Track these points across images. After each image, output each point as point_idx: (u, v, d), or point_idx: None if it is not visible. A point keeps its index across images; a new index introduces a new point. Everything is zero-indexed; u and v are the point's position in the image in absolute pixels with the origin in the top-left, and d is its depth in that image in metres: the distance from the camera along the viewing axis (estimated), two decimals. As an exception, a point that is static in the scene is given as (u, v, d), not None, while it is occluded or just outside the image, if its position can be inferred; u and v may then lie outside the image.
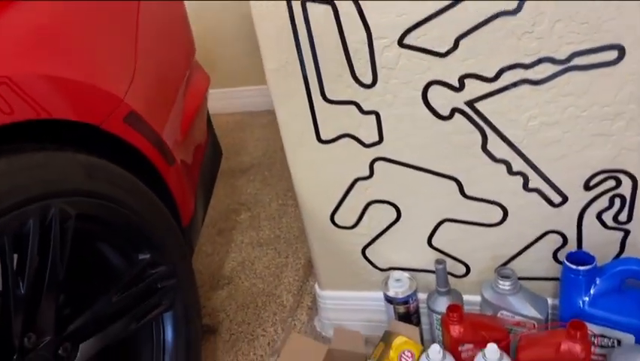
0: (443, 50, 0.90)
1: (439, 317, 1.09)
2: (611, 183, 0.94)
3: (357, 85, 0.97)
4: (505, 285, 1.02)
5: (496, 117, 0.93)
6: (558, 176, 0.96)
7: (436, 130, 0.98)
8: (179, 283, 1.05)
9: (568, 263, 0.96)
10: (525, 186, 0.99)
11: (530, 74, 0.88)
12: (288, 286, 1.55)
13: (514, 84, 0.89)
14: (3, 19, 0.77)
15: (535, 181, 0.98)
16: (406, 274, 1.15)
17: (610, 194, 0.95)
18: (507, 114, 0.93)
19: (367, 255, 1.19)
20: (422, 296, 1.16)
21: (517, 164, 0.97)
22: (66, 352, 0.82)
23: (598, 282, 0.95)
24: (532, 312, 1.01)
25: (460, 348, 1.01)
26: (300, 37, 0.95)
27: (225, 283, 1.63)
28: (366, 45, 0.93)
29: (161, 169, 1.03)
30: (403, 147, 1.02)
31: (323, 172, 1.10)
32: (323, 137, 1.05)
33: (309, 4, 0.92)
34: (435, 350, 0.95)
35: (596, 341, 0.97)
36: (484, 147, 0.97)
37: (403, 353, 1.03)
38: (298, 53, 0.97)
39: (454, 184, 1.03)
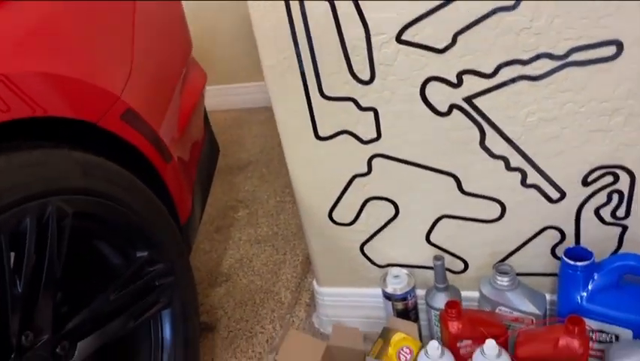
0: (441, 46, 0.90)
1: (438, 313, 1.09)
2: (609, 178, 0.94)
3: (354, 81, 0.97)
4: (503, 281, 1.02)
5: (495, 113, 0.93)
6: (556, 172, 0.96)
7: (434, 126, 0.98)
8: (177, 280, 1.05)
9: (566, 259, 0.96)
10: (523, 182, 0.99)
11: (528, 69, 0.88)
12: (286, 283, 1.55)
13: (512, 80, 0.89)
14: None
15: (534, 177, 0.98)
16: (404, 271, 1.15)
17: (608, 190, 0.96)
18: (505, 110, 0.92)
19: (365, 251, 1.19)
20: (420, 292, 1.16)
21: (516, 160, 0.97)
22: (64, 350, 0.82)
23: (596, 277, 0.95)
24: (531, 308, 1.01)
25: (458, 344, 1.01)
26: (297, 34, 0.95)
27: (223, 280, 1.62)
28: (364, 41, 0.93)
29: (158, 167, 1.02)
30: (401, 143, 1.02)
31: (321, 169, 1.10)
32: (321, 133, 1.05)
33: (306, 1, 0.91)
34: (433, 346, 0.95)
35: (594, 337, 0.97)
36: (482, 143, 0.97)
37: (402, 350, 1.03)
38: (296, 49, 0.96)
39: (452, 180, 1.03)
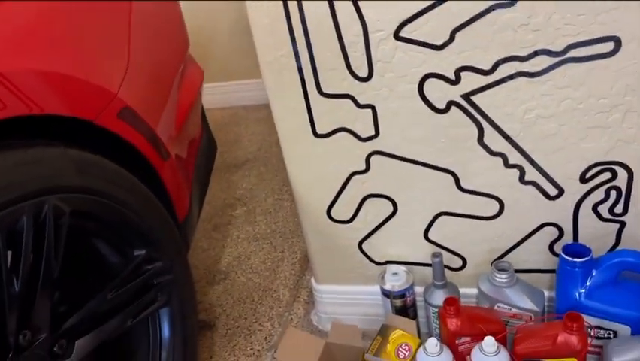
0: (439, 43, 0.89)
1: (436, 310, 1.09)
2: (607, 175, 0.94)
3: (352, 78, 0.97)
4: (501, 278, 1.02)
5: (493, 110, 0.93)
6: (554, 169, 0.96)
7: (432, 123, 0.97)
8: (175, 278, 1.04)
9: (564, 255, 0.96)
10: (521, 179, 0.99)
11: (526, 66, 0.87)
12: (284, 280, 1.55)
13: (511, 77, 0.89)
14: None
15: (532, 174, 0.97)
16: (403, 268, 1.15)
17: (606, 186, 0.95)
18: (503, 107, 0.92)
19: (364, 249, 1.19)
20: (419, 290, 1.16)
21: (514, 157, 0.97)
22: (62, 349, 0.82)
23: (594, 274, 0.95)
24: (529, 304, 1.01)
25: (457, 341, 1.01)
26: (295, 31, 0.94)
27: (222, 278, 1.62)
28: (362, 38, 0.92)
29: (155, 164, 1.02)
30: (400, 140, 1.01)
31: (319, 166, 1.10)
32: (319, 131, 1.05)
33: (303, -3, 0.91)
34: (432, 343, 0.95)
35: (592, 333, 0.97)
36: (480, 140, 0.97)
37: (400, 347, 1.03)
38: (293, 46, 0.96)
39: (450, 177, 1.03)
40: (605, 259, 0.95)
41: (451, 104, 0.95)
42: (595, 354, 0.99)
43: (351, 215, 1.14)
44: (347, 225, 1.16)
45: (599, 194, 0.97)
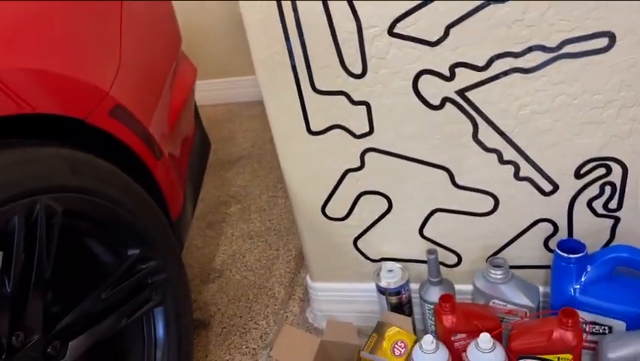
0: (433, 39, 0.89)
1: (432, 307, 1.09)
2: (602, 170, 0.94)
3: (346, 75, 0.96)
4: (496, 274, 1.02)
5: (487, 106, 0.93)
6: (549, 164, 0.96)
7: (426, 120, 0.97)
8: (170, 277, 1.04)
9: (559, 251, 0.96)
10: (516, 175, 0.99)
11: (521, 62, 0.87)
12: (279, 278, 1.55)
13: (505, 73, 0.89)
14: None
15: (526, 170, 0.97)
16: (398, 265, 1.15)
17: (600, 182, 0.96)
18: (498, 103, 0.92)
19: (359, 246, 1.19)
20: (414, 286, 1.16)
21: (508, 153, 0.96)
22: (55, 350, 0.81)
23: (589, 270, 0.95)
24: (524, 300, 1.01)
25: (452, 338, 1.01)
26: (288, 27, 0.94)
27: (216, 276, 1.62)
28: (356, 34, 0.92)
29: (148, 163, 1.01)
30: (394, 137, 1.01)
31: (313, 164, 1.09)
32: (313, 128, 1.04)
33: (297, -7, 0.90)
34: (428, 340, 0.95)
35: (587, 329, 0.97)
36: (475, 137, 0.97)
37: (396, 344, 1.03)
38: (287, 43, 0.95)
39: (445, 174, 1.03)
40: (600, 255, 0.95)
41: (445, 100, 0.94)
42: (590, 350, 0.99)
43: (346, 212, 1.14)
44: (342, 222, 1.16)
45: (593, 190, 0.97)
